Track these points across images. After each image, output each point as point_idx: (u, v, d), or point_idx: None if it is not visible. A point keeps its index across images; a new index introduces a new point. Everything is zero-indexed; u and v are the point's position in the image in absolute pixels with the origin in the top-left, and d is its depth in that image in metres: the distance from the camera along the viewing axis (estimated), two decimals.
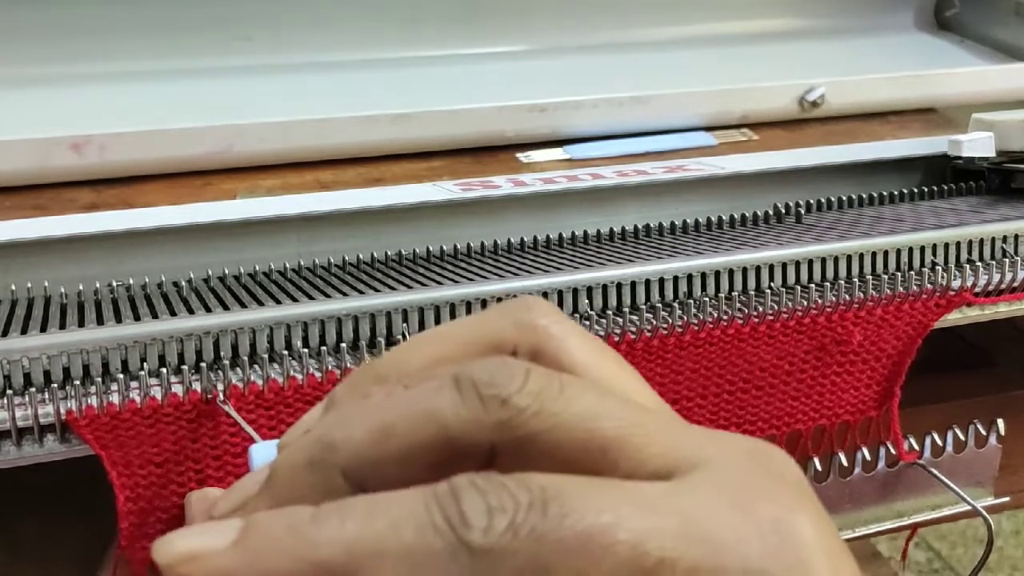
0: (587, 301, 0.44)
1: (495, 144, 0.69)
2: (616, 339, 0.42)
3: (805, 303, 0.45)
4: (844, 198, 0.59)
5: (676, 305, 0.43)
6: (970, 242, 0.50)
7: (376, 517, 0.20)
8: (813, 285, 0.47)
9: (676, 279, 0.45)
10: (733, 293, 0.46)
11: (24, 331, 0.39)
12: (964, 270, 0.48)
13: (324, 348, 0.39)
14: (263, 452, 0.32)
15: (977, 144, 0.58)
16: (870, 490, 0.52)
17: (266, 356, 0.39)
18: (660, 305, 0.44)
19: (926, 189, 0.61)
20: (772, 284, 0.47)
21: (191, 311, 0.41)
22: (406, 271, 0.48)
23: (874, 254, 0.48)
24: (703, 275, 0.46)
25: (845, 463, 0.51)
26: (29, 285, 0.46)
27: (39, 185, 0.60)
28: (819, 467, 0.50)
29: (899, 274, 0.47)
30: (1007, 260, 0.49)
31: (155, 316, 0.41)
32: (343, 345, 0.40)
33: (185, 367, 0.38)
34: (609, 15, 0.83)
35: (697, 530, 0.19)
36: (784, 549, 0.20)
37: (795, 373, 0.46)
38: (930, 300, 0.47)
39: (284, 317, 0.40)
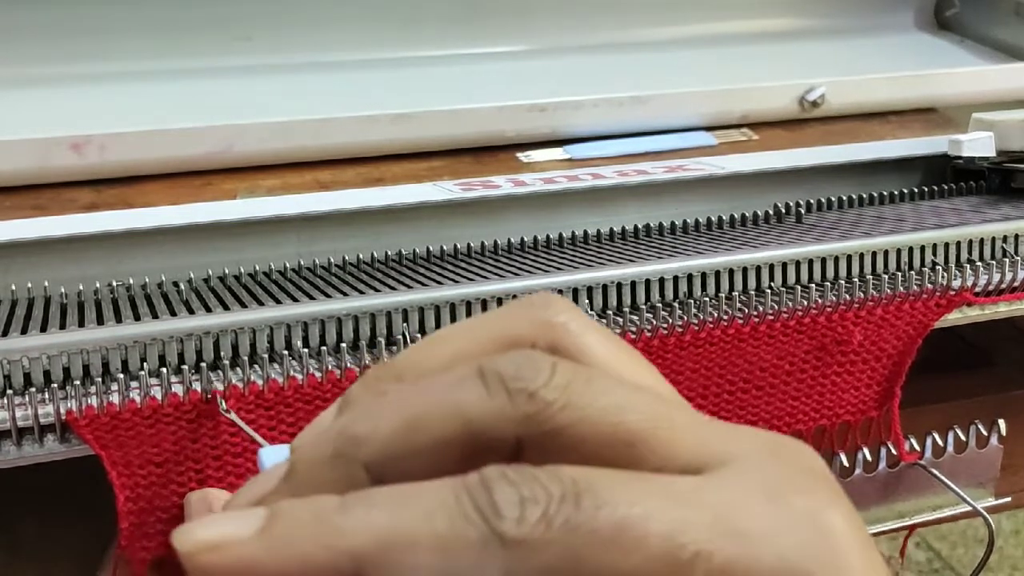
0: (587, 301, 0.44)
1: (495, 144, 0.69)
2: None
3: (805, 303, 0.45)
4: (844, 198, 0.59)
5: (676, 305, 0.43)
6: (970, 242, 0.50)
7: (407, 506, 0.19)
8: (813, 285, 0.47)
9: (676, 279, 0.45)
10: (733, 293, 0.46)
11: (24, 331, 0.39)
12: (964, 270, 0.48)
13: (324, 348, 0.39)
14: (273, 455, 0.32)
15: (977, 144, 0.58)
16: (871, 490, 0.52)
17: (266, 356, 0.39)
18: (660, 305, 0.44)
19: (926, 189, 0.61)
20: (772, 284, 0.47)
21: (191, 311, 0.41)
22: (406, 271, 0.48)
23: (874, 254, 0.48)
24: (703, 275, 0.46)
25: (846, 463, 0.51)
26: (29, 285, 0.46)
27: (39, 185, 0.60)
28: None
29: (899, 274, 0.47)
30: (1007, 260, 0.49)
31: (155, 316, 0.41)
32: (343, 345, 0.40)
33: (185, 367, 0.38)
34: (609, 15, 0.83)
35: (731, 524, 0.19)
36: (819, 542, 0.20)
37: (795, 373, 0.46)
38: (930, 300, 0.47)
39: (284, 317, 0.40)
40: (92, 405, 0.36)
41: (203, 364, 0.38)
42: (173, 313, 0.41)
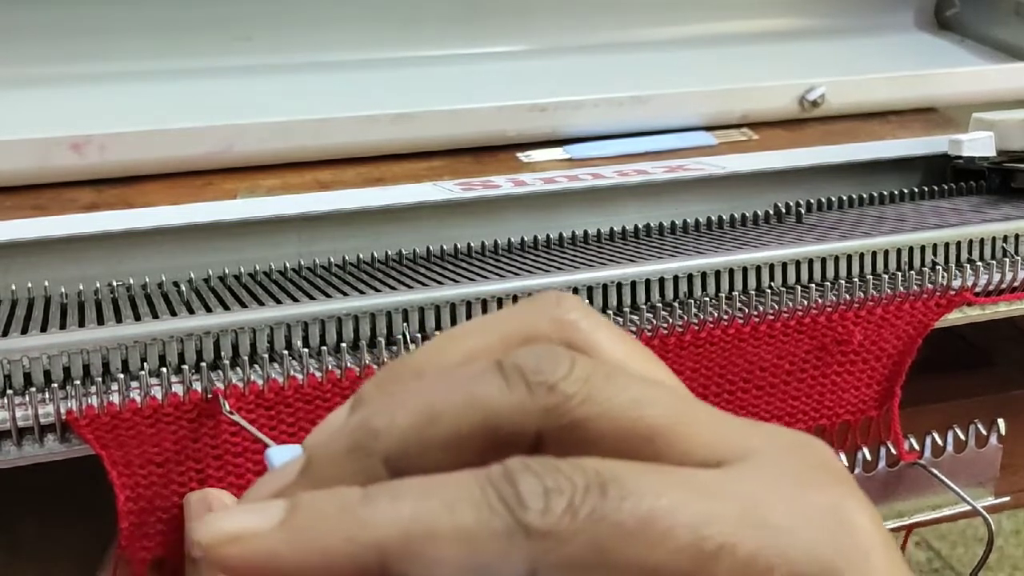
0: (587, 301, 0.44)
1: (495, 144, 0.69)
2: None
3: (805, 303, 0.45)
4: (844, 198, 0.59)
5: (676, 305, 0.43)
6: (970, 242, 0.50)
7: (430, 498, 0.19)
8: (813, 285, 0.47)
9: (676, 279, 0.45)
10: (733, 293, 0.46)
11: (24, 331, 0.39)
12: (964, 270, 0.48)
13: (324, 348, 0.39)
14: (281, 455, 0.31)
15: (977, 144, 0.58)
16: (871, 490, 0.52)
17: (266, 356, 0.39)
18: (660, 305, 0.44)
19: (927, 189, 0.61)
20: (772, 284, 0.47)
21: (191, 311, 0.41)
22: (406, 271, 0.48)
23: (874, 254, 0.48)
24: (703, 275, 0.46)
25: (845, 463, 0.51)
26: (29, 285, 0.46)
27: (39, 185, 0.60)
28: None
29: (899, 274, 0.47)
30: (1007, 260, 0.49)
31: (155, 316, 0.41)
32: (343, 345, 0.40)
33: (185, 367, 0.38)
34: (609, 15, 0.83)
35: (756, 516, 0.19)
36: (843, 537, 0.20)
37: (795, 373, 0.46)
38: (930, 300, 0.47)
39: (284, 317, 0.40)
40: (92, 405, 0.36)
41: (203, 364, 0.38)
42: (173, 313, 0.41)
